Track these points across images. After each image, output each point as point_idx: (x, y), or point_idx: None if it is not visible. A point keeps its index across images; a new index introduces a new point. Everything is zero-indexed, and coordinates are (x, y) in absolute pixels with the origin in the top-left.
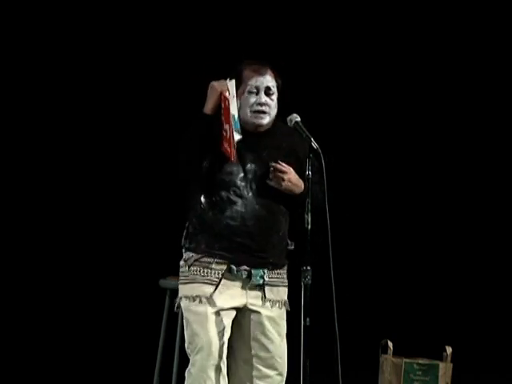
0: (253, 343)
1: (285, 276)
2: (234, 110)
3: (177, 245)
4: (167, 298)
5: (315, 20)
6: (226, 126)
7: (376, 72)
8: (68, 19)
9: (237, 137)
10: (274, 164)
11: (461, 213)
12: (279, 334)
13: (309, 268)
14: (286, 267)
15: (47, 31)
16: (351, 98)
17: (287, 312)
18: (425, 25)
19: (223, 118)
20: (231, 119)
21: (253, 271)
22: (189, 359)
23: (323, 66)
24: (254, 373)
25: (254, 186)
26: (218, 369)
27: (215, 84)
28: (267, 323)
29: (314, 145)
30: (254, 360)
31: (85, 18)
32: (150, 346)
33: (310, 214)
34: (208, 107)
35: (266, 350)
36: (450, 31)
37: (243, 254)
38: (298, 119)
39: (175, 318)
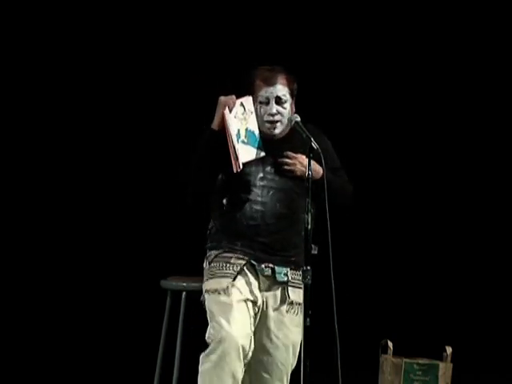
0: (257, 346)
1: None
2: (252, 126)
3: (178, 246)
4: (168, 298)
5: (317, 21)
6: (228, 140)
7: (377, 73)
8: (69, 20)
9: (261, 154)
10: (280, 160)
11: (461, 213)
12: (286, 339)
13: (309, 268)
14: None
15: (47, 31)
16: (352, 98)
17: None
18: (426, 26)
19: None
20: (230, 133)
21: (276, 268)
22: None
23: (325, 67)
24: (253, 376)
25: (274, 186)
26: (239, 359)
27: (222, 99)
28: (274, 327)
29: (314, 145)
30: (255, 363)
31: (87, 18)
32: (151, 346)
33: (309, 214)
34: (215, 122)
35: (269, 354)
36: (451, 33)
37: (265, 253)
38: (298, 119)
39: (176, 319)
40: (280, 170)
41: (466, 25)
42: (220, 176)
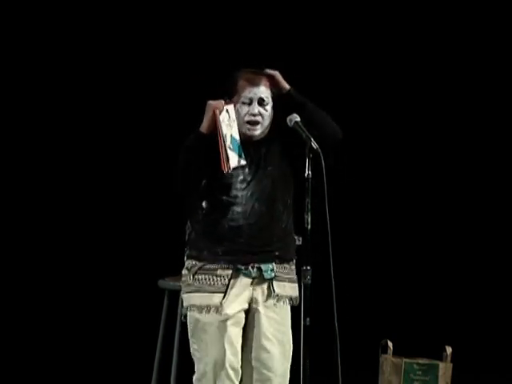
0: (253, 344)
1: (292, 272)
2: (235, 134)
3: (175, 245)
4: (166, 298)
5: (316, 20)
6: (220, 141)
7: (376, 73)
8: (68, 19)
9: (242, 162)
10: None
11: (460, 213)
12: (280, 334)
13: (309, 268)
14: (293, 262)
15: (47, 31)
16: (351, 98)
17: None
18: (426, 26)
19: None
20: (222, 134)
21: (262, 266)
22: (188, 360)
23: (324, 67)
24: (256, 376)
25: (252, 187)
26: (230, 379)
27: (211, 102)
28: (266, 324)
29: (314, 145)
30: (255, 362)
31: (86, 18)
32: (149, 346)
33: (309, 214)
34: (204, 125)
35: (267, 351)
36: (451, 32)
37: (248, 254)
38: (298, 119)
39: (174, 319)
40: (257, 171)
41: (466, 25)
42: (203, 181)
